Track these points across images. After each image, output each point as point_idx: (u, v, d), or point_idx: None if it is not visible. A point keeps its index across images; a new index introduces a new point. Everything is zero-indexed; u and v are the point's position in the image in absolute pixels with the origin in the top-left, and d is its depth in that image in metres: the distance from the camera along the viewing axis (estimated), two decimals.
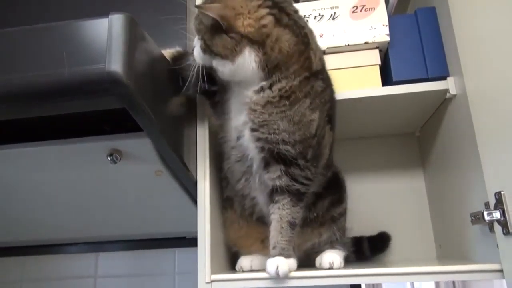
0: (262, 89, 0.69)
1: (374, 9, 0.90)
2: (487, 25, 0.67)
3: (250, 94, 0.70)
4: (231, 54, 0.65)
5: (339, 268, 0.74)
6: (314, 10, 0.93)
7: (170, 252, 1.24)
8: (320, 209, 0.80)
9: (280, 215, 0.71)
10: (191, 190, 0.82)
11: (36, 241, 1.26)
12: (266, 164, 0.72)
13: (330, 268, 0.74)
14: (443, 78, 0.84)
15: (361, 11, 0.91)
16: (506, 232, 0.63)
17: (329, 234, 0.81)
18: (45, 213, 1.00)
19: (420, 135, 1.14)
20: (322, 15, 0.92)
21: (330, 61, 0.90)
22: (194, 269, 0.73)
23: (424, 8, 0.92)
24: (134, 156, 0.74)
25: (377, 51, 0.91)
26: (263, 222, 0.79)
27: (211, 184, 0.77)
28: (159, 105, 0.63)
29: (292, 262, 0.71)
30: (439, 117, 0.94)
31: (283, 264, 0.68)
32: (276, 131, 0.68)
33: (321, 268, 0.75)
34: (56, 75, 0.51)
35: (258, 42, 0.66)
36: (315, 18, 0.92)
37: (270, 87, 0.69)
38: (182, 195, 0.86)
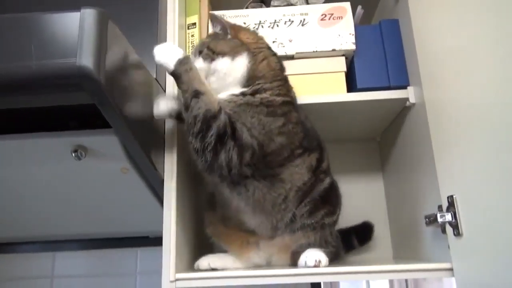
0: (242, 94, 0.76)
1: (341, 18, 0.94)
2: (446, 39, 0.71)
3: (227, 98, 0.75)
4: (232, 51, 0.78)
5: (325, 266, 0.74)
6: (284, 15, 0.95)
7: (132, 252, 1.22)
8: (317, 218, 0.80)
9: None
10: (157, 189, 0.81)
11: None
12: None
13: (316, 266, 0.73)
14: (404, 87, 0.89)
15: (329, 19, 0.94)
16: (456, 233, 0.68)
17: (316, 239, 0.80)
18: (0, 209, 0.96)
19: (380, 141, 1.19)
20: (292, 21, 0.95)
21: (298, 66, 0.94)
22: (156, 269, 0.73)
23: (388, 20, 0.96)
24: (99, 152, 0.73)
25: (343, 58, 0.94)
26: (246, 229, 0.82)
27: (178, 182, 0.77)
28: (129, 102, 0.63)
29: None
30: (398, 124, 0.99)
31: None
32: (242, 116, 0.72)
33: (306, 266, 0.74)
34: (23, 68, 0.50)
35: (253, 53, 0.79)
36: (285, 23, 0.95)
37: (252, 94, 0.76)
38: (148, 193, 0.85)
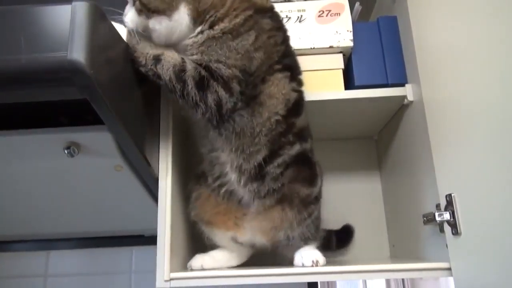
0: (201, 32, 0.70)
1: (339, 15, 0.93)
2: (445, 36, 0.70)
3: (188, 42, 0.71)
4: (168, 9, 0.68)
5: (323, 265, 0.73)
6: (281, 11, 0.93)
7: (127, 251, 1.21)
8: (284, 179, 0.75)
9: None
10: (151, 187, 0.80)
11: None
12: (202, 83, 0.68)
13: (314, 266, 0.72)
14: (402, 84, 0.88)
15: (327, 15, 0.93)
16: (454, 232, 0.67)
17: (301, 230, 0.76)
18: None
19: (378, 139, 1.18)
20: (289, 17, 0.93)
21: None
22: (151, 268, 0.72)
23: (386, 17, 0.95)
24: (93, 149, 0.71)
25: (341, 55, 0.93)
26: (232, 199, 0.79)
27: (173, 180, 0.76)
28: (122, 97, 0.61)
29: None
30: (396, 122, 0.98)
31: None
32: (213, 54, 0.68)
33: (303, 266, 0.74)
34: (12, 61, 0.48)
35: None
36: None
37: (211, 27, 0.70)
38: (142, 191, 0.84)
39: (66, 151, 0.70)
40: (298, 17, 0.94)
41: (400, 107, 0.93)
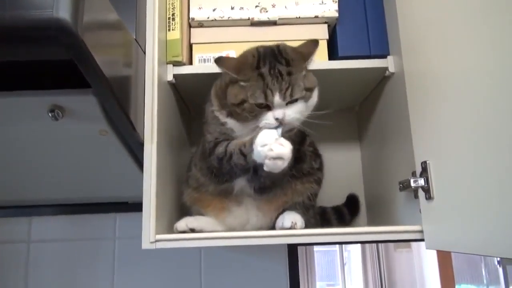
0: None
1: None
2: (428, 10, 0.72)
3: None
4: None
5: (301, 229, 0.78)
6: None
7: (110, 217, 1.22)
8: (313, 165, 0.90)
9: None
10: (136, 152, 0.81)
11: None
12: None
13: (292, 228, 0.77)
14: (384, 56, 0.90)
15: None
16: (428, 197, 0.71)
17: (305, 196, 0.86)
18: None
19: (359, 111, 1.21)
20: None
21: (281, 33, 0.93)
22: (135, 235, 0.73)
23: None
24: (77, 113, 0.71)
25: (325, 26, 0.94)
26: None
27: (158, 145, 0.77)
28: (107, 59, 0.61)
29: None
30: (377, 93, 1.01)
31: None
32: None
33: (283, 227, 0.78)
34: None
35: None
36: None
37: None
38: (127, 157, 0.85)
39: (50, 114, 0.69)
40: None
41: (382, 78, 0.95)
